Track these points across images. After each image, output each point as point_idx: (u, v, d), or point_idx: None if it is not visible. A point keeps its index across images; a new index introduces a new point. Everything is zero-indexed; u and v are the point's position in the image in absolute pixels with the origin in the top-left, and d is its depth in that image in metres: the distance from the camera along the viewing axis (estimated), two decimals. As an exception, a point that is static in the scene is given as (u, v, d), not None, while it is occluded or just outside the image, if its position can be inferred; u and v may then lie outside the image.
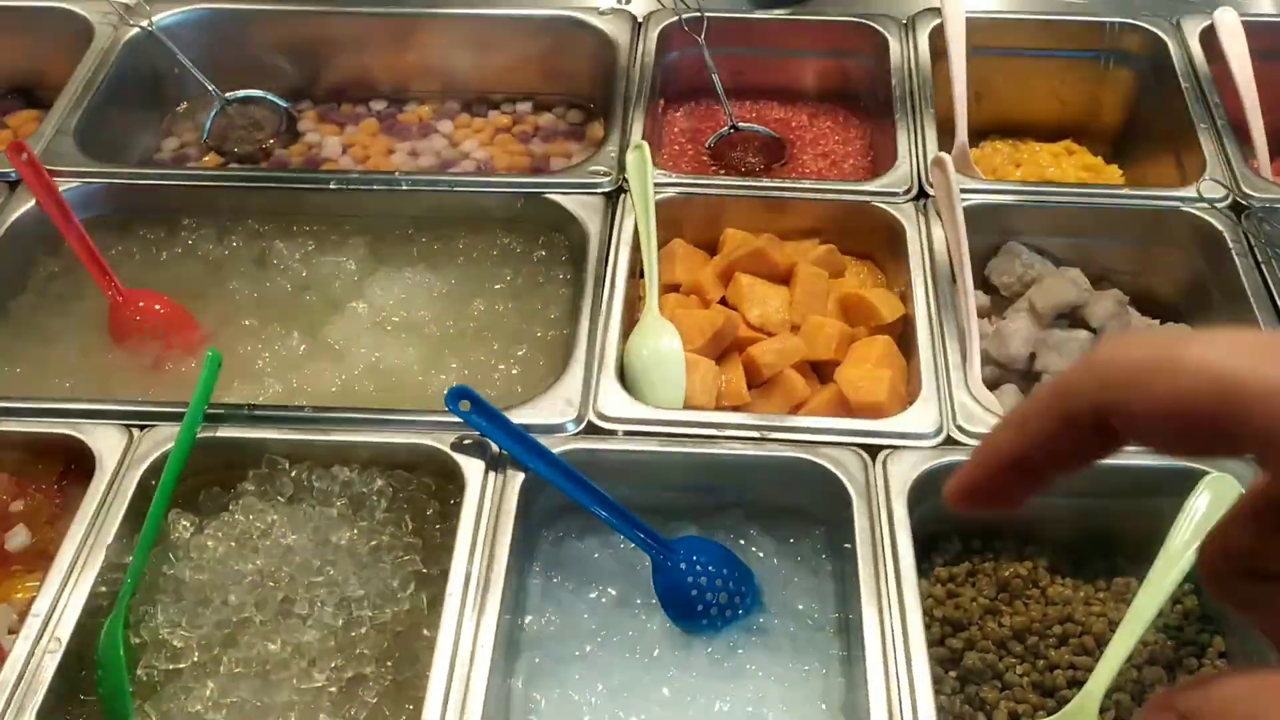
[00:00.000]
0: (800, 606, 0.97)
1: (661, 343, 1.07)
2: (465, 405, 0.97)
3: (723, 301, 1.17)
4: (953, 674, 0.95)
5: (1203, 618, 0.99)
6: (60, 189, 1.18)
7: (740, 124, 1.43)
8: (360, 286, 1.19)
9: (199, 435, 0.97)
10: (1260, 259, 1.14)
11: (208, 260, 1.22)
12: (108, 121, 1.36)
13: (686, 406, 1.06)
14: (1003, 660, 0.96)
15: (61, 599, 0.87)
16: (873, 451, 0.99)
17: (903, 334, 1.13)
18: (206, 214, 1.25)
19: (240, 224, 1.24)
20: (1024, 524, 1.03)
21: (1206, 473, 0.95)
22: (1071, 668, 0.95)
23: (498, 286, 1.19)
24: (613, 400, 1.02)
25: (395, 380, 1.10)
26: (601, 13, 1.45)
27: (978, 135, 1.50)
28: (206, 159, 1.42)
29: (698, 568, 0.96)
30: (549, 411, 1.01)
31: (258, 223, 1.24)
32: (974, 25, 1.39)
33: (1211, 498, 0.93)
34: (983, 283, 1.24)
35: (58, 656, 0.83)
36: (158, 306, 1.15)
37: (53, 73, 1.42)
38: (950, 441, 1.00)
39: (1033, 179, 1.41)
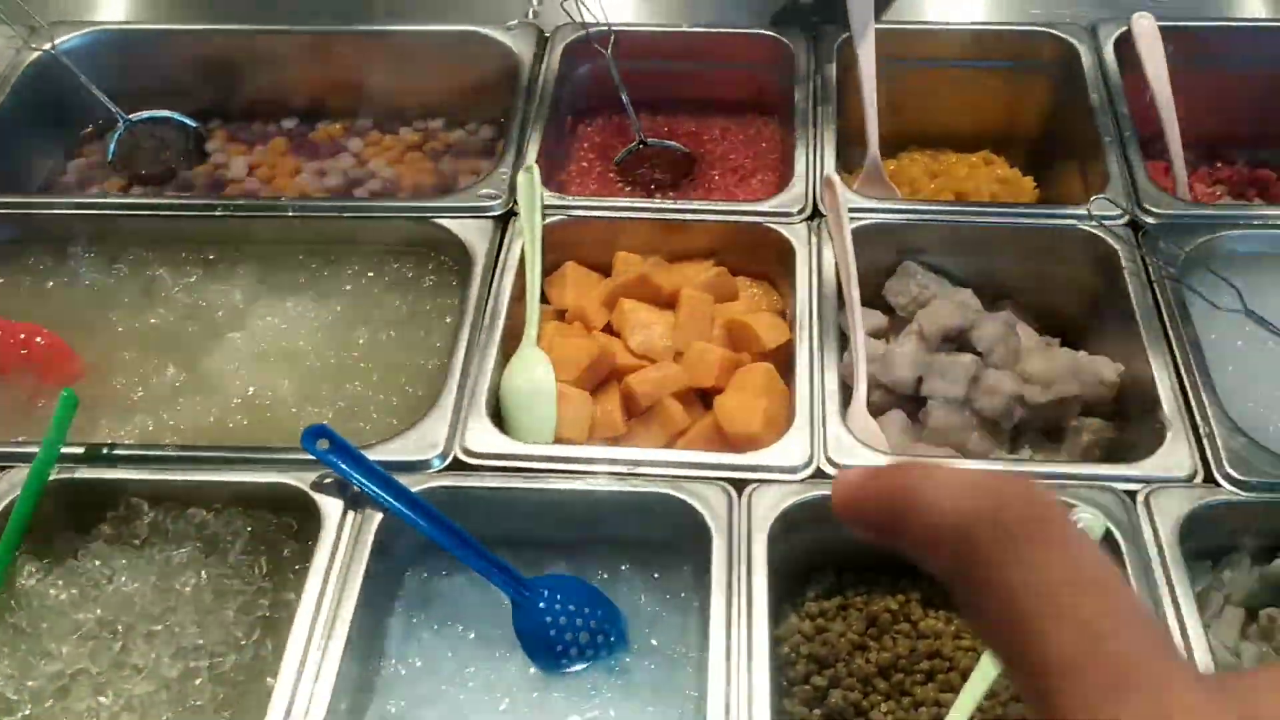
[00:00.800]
0: (664, 645, 0.95)
1: (534, 376, 1.06)
2: (323, 444, 0.96)
3: (608, 327, 1.15)
4: (818, 712, 0.94)
5: (1077, 652, 0.97)
6: (-57, 219, 1.17)
7: (649, 139, 1.41)
8: (243, 316, 1.17)
9: (57, 477, 0.96)
10: (1153, 278, 1.12)
11: (94, 290, 1.21)
12: (8, 146, 1.36)
13: (557, 440, 1.04)
14: (868, 698, 0.94)
15: (-100, 649, 0.86)
16: (740, 485, 0.97)
17: (789, 361, 1.12)
18: (94, 242, 1.24)
19: (129, 252, 1.23)
20: (899, 557, 1.01)
21: (1073, 506, 0.93)
22: (937, 704, 0.93)
23: (383, 315, 1.18)
24: (481, 436, 1.01)
25: (269, 414, 1.09)
26: (508, 28, 1.43)
27: (898, 146, 1.47)
28: (109, 182, 1.41)
29: (557, 606, 0.95)
30: (416, 447, 1.00)
31: (145, 251, 1.23)
32: (887, 36, 1.37)
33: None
34: (884, 305, 1.22)
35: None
36: (38, 339, 1.14)
37: (-45, 97, 1.41)
38: (820, 474, 0.98)
39: (948, 191, 1.39)
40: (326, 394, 1.10)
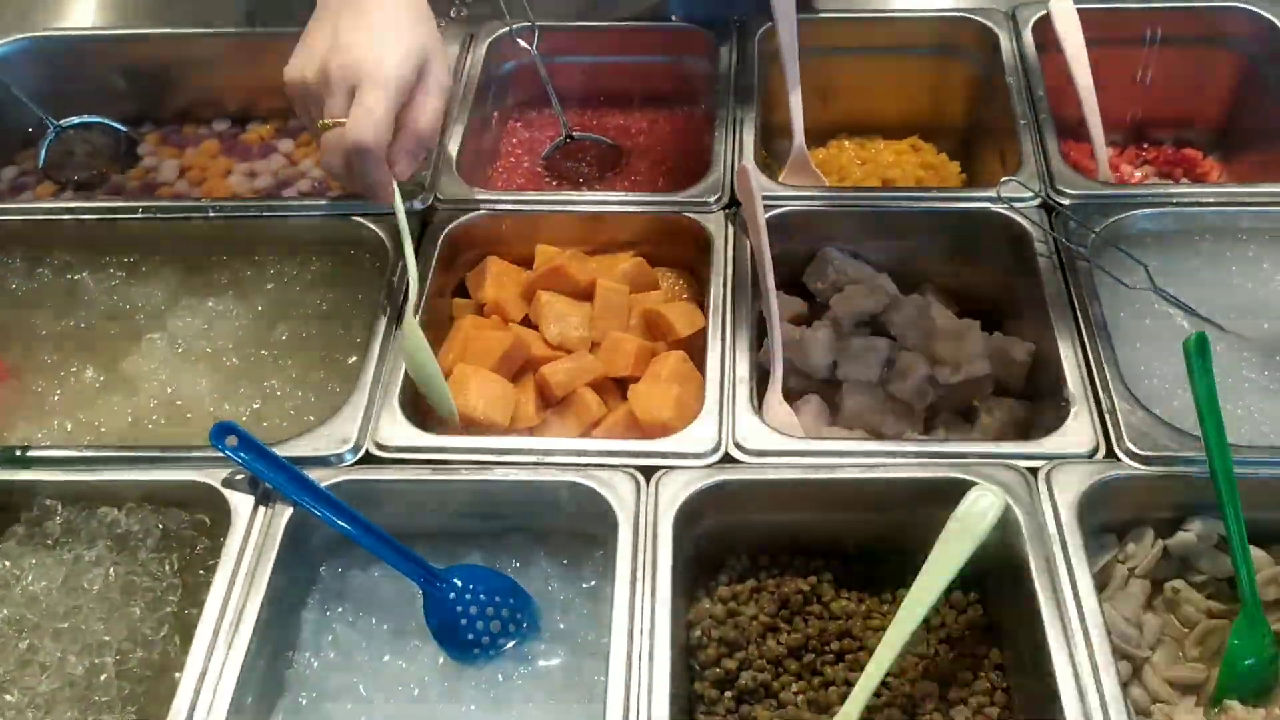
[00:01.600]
0: (575, 632, 0.96)
1: (414, 358, 1.05)
2: (231, 440, 0.96)
3: (526, 321, 1.16)
4: (729, 694, 0.95)
5: (986, 629, 0.98)
6: None
7: (576, 133, 1.42)
8: (163, 317, 1.18)
9: (-30, 480, 0.97)
10: (1063, 260, 1.13)
11: (17, 294, 1.21)
12: (-64, 155, 1.36)
13: (474, 421, 1.04)
14: (778, 679, 0.96)
15: None
16: (649, 472, 0.98)
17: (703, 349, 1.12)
18: (17, 247, 1.24)
19: (52, 256, 1.24)
20: (811, 539, 1.03)
21: (974, 483, 0.94)
22: (846, 684, 0.94)
23: (303, 313, 1.18)
24: (392, 429, 1.02)
25: (188, 414, 1.10)
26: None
27: (828, 135, 1.49)
28: (40, 188, 1.41)
29: (468, 596, 0.96)
30: (328, 442, 1.00)
31: (68, 255, 1.24)
32: (811, 25, 1.38)
33: (977, 508, 0.92)
34: (805, 292, 1.23)
35: None
36: (-41, 345, 1.14)
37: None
38: (729, 460, 0.99)
39: (874, 178, 1.40)
40: (245, 392, 1.11)
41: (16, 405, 1.09)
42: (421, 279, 1.11)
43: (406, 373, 1.05)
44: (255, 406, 1.10)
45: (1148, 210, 1.18)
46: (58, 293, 1.22)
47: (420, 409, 1.06)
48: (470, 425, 1.05)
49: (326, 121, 1.07)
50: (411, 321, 1.04)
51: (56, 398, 1.11)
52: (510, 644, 0.96)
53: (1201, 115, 1.48)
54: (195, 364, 1.14)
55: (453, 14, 1.47)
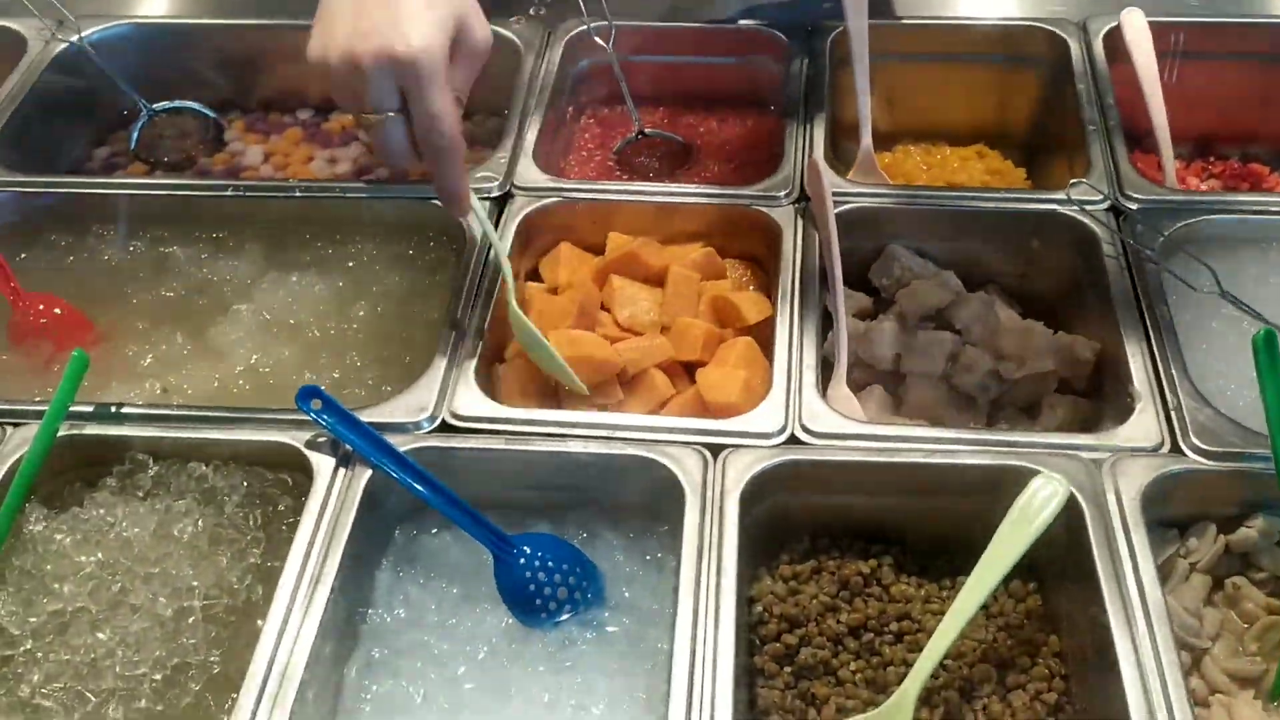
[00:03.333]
0: (638, 602, 0.99)
1: (529, 347, 1.10)
2: (316, 404, 1.00)
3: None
4: (788, 669, 0.97)
5: (1044, 617, 0.99)
6: (-30, 197, 1.24)
7: (648, 130, 1.45)
8: (250, 290, 1.23)
9: (68, 433, 1.01)
10: (1131, 262, 1.14)
11: (110, 266, 1.27)
12: (35, 133, 1.42)
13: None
14: (837, 656, 0.97)
15: (-90, 586, 0.91)
16: (716, 450, 1.01)
17: (772, 336, 1.15)
18: (112, 222, 1.30)
19: (143, 231, 1.29)
20: (873, 523, 1.04)
21: (1038, 472, 0.95)
22: (904, 664, 0.96)
23: (382, 290, 1.22)
24: (468, 400, 1.05)
25: (271, 380, 1.14)
26: (513, 22, 1.48)
27: (893, 140, 1.51)
28: (132, 168, 1.47)
29: (537, 563, 0.98)
30: (406, 410, 1.04)
31: (161, 229, 1.29)
32: (881, 31, 1.40)
33: (1039, 497, 0.93)
34: (869, 286, 1.26)
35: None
36: (56, 309, 1.19)
37: (-13, 86, 1.48)
38: (794, 441, 1.01)
39: (940, 182, 1.42)
40: (326, 363, 1.15)
41: (109, 367, 1.14)
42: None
43: (482, 345, 1.09)
44: (335, 376, 1.14)
45: (1216, 216, 1.19)
46: (150, 264, 1.27)
47: (493, 381, 1.10)
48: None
49: (370, 117, 0.96)
50: (517, 313, 1.08)
51: (147, 362, 1.16)
52: (576, 611, 0.98)
53: (1268, 131, 1.48)
54: (278, 335, 1.18)
55: (532, 11, 1.51)
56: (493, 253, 1.17)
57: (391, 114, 0.96)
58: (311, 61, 0.98)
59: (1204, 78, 1.46)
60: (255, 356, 1.16)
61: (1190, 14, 1.48)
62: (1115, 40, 1.39)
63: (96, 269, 1.27)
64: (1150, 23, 1.37)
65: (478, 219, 1.12)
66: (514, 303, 1.09)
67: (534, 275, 1.26)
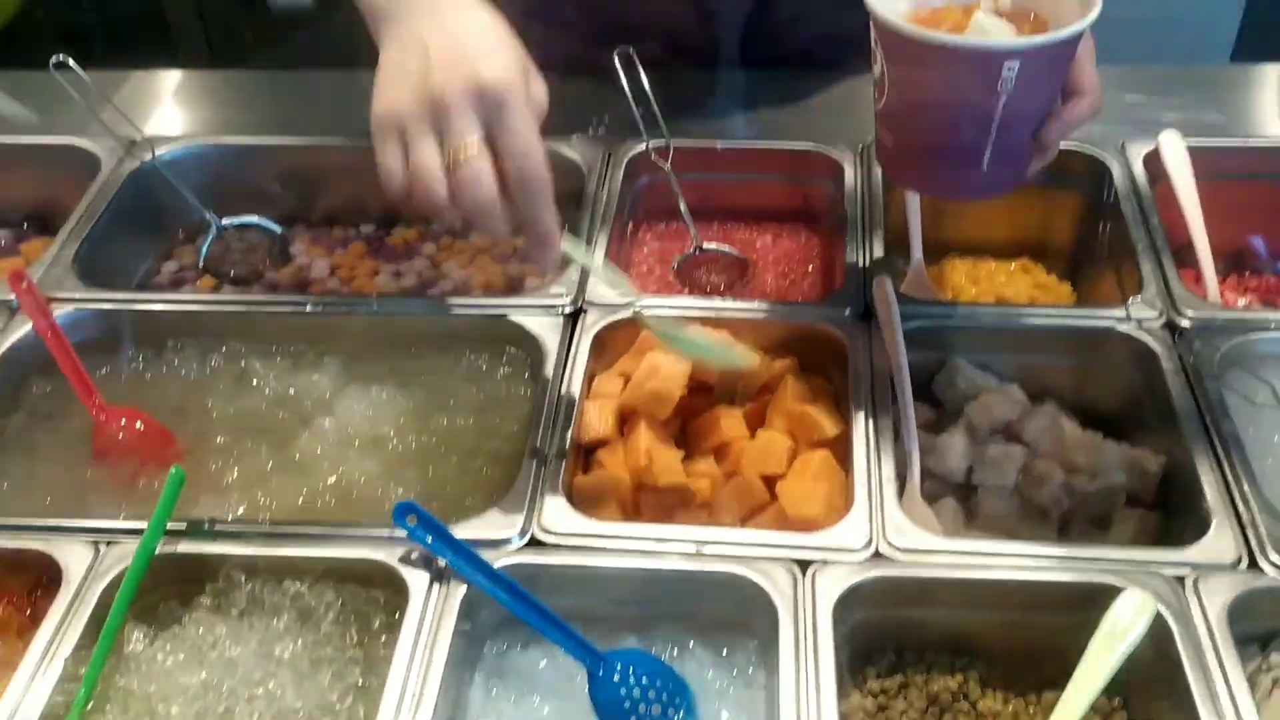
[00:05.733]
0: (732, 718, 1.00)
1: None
2: (411, 520, 1.02)
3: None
4: (882, 787, 0.98)
5: (1132, 732, 1.01)
6: (55, 314, 1.26)
7: (705, 245, 1.50)
8: (330, 404, 1.25)
9: (161, 550, 1.03)
10: (1192, 378, 1.18)
11: (189, 380, 1.29)
12: (109, 249, 1.46)
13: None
14: (930, 773, 0.98)
15: (18, 709, 0.92)
16: (804, 565, 1.02)
17: (845, 449, 1.18)
18: (190, 335, 1.33)
19: (222, 345, 1.32)
20: (958, 637, 1.06)
21: (1122, 589, 0.97)
22: (998, 781, 0.97)
23: (460, 403, 1.25)
24: (557, 516, 1.07)
25: (356, 495, 1.16)
26: (574, 140, 1.54)
27: (939, 253, 1.56)
28: (201, 281, 1.50)
29: (631, 679, 0.99)
30: (495, 526, 1.06)
31: (239, 343, 1.32)
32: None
33: (1128, 613, 0.96)
34: (930, 398, 1.29)
35: (11, 763, 0.88)
36: (138, 424, 1.21)
37: (66, 203, 1.51)
38: (879, 556, 1.03)
39: (988, 295, 1.47)
40: (409, 476, 1.17)
41: (194, 482, 1.15)
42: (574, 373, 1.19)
43: (566, 458, 1.12)
44: (419, 489, 1.16)
45: (1267, 333, 1.23)
46: (228, 379, 1.29)
47: (579, 499, 1.12)
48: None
49: (459, 152, 0.91)
50: (650, 320, 1.11)
51: (232, 477, 1.17)
52: (669, 728, 0.99)
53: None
54: (361, 448, 1.20)
55: (591, 132, 1.57)
56: (576, 371, 1.20)
57: (477, 146, 0.92)
58: (380, 116, 0.94)
59: (1237, 196, 1.52)
60: (340, 470, 1.17)
61: (1217, 134, 1.55)
62: (1153, 161, 1.46)
63: (176, 384, 1.29)
64: (1187, 144, 1.44)
65: (573, 252, 1.07)
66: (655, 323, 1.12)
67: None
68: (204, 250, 1.53)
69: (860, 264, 1.34)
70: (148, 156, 1.52)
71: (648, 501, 1.15)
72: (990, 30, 1.04)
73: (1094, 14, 1.01)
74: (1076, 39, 1.02)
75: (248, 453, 1.19)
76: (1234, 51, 3.02)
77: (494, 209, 0.94)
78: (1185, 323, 1.24)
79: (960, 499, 1.17)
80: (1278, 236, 1.54)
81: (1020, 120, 1.06)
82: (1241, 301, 1.51)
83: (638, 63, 1.42)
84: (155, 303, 1.36)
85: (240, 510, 1.14)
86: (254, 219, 1.56)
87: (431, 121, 0.92)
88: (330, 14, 2.35)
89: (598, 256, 1.11)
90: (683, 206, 1.48)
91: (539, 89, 0.97)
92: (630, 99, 1.43)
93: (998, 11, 1.08)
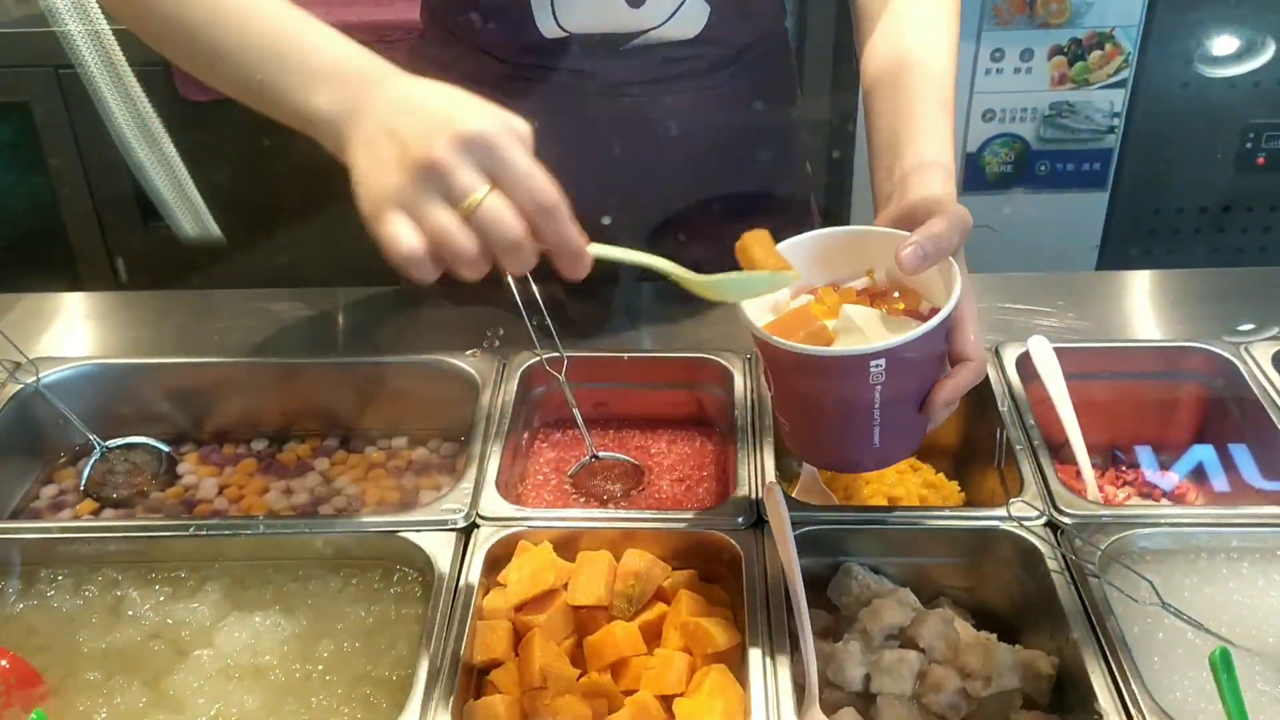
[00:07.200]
0: None
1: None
2: (290, 760, 0.97)
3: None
4: None
5: None
6: (-82, 546, 1.21)
7: (601, 453, 1.51)
8: (209, 633, 1.20)
9: (16, 803, 0.96)
10: (1075, 576, 1.20)
11: (60, 612, 1.23)
12: (-14, 473, 1.42)
13: None
14: None
15: None
16: (702, 789, 0.99)
17: (742, 661, 1.16)
18: (64, 564, 1.27)
19: (97, 573, 1.27)
20: None
21: (1024, 799, 0.96)
22: None
23: (347, 627, 1.21)
24: (446, 744, 1.03)
25: (233, 732, 1.10)
26: (469, 355, 1.56)
27: (831, 456, 1.59)
28: (81, 505, 1.46)
29: None
30: (380, 760, 1.01)
31: (115, 571, 1.27)
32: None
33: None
34: (827, 604, 1.29)
35: None
36: (2, 663, 1.15)
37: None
38: (779, 775, 1.01)
39: (880, 496, 1.49)
40: (291, 709, 1.12)
41: (61, 725, 1.09)
42: (467, 591, 1.16)
43: (457, 682, 1.08)
44: (302, 722, 1.10)
45: (1145, 529, 1.27)
46: (102, 610, 1.24)
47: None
48: None
49: (472, 201, 0.91)
50: (696, 278, 1.07)
51: (101, 717, 1.11)
52: None
53: (1172, 441, 1.61)
54: (240, 681, 1.15)
55: (484, 345, 1.59)
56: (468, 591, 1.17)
57: (486, 191, 0.92)
58: (374, 203, 0.94)
59: (1108, 394, 1.59)
60: (216, 706, 1.12)
61: (1086, 339, 1.63)
62: (1025, 364, 1.53)
63: (47, 616, 1.23)
64: (1054, 347, 1.52)
65: (609, 257, 1.03)
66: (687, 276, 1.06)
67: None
68: (86, 473, 1.49)
69: (752, 470, 1.36)
70: (30, 379, 1.50)
71: (542, 725, 1.11)
72: (857, 321, 1.09)
73: (955, 296, 1.07)
74: (942, 327, 1.08)
75: (118, 689, 1.13)
76: (1098, 259, 3.25)
77: (524, 242, 0.94)
78: (1066, 521, 1.27)
79: (860, 708, 1.16)
80: (1149, 433, 1.61)
81: (901, 402, 1.12)
82: (1121, 495, 1.56)
83: (529, 277, 1.46)
84: (27, 531, 1.31)
85: (107, 754, 1.07)
86: (139, 439, 1.54)
87: (432, 188, 0.91)
88: (240, 239, 2.40)
89: (639, 256, 1.05)
90: (577, 416, 1.49)
91: (517, 122, 0.96)
92: (524, 313, 1.47)
93: (871, 289, 1.15)
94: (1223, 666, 0.95)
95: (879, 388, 1.07)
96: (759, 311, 1.14)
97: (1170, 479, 1.56)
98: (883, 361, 1.04)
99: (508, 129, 0.93)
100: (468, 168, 0.91)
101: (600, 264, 1.63)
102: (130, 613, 1.23)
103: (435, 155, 0.90)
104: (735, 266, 1.08)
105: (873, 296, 1.16)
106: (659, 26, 1.55)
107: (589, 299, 1.74)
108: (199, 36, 1.07)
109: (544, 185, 0.93)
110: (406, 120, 0.94)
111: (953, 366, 1.15)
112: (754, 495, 1.32)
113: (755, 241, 1.09)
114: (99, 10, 2.13)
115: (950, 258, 1.11)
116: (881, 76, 1.40)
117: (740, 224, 1.12)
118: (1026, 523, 1.27)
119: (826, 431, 1.16)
